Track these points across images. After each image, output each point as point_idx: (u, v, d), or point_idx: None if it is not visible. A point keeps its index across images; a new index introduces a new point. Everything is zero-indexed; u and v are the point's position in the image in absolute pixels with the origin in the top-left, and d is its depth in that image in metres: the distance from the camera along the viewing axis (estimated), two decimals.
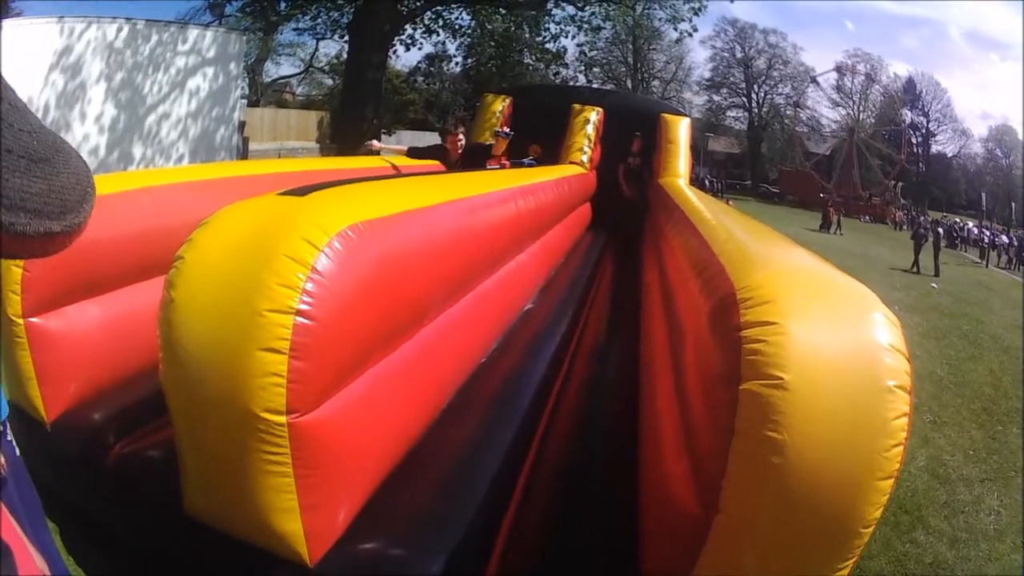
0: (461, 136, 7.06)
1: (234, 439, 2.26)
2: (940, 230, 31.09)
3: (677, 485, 2.38)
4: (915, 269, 27.73)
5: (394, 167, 7.17)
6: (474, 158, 8.29)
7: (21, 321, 3.31)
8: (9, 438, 1.00)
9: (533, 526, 3.10)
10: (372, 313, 2.61)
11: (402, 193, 3.32)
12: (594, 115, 12.51)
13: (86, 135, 13.48)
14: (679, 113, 13.61)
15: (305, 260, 2.22)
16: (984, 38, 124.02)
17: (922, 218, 35.22)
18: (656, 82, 78.84)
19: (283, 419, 2.19)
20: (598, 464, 3.65)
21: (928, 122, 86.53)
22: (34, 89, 12.86)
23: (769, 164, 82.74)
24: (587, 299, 7.21)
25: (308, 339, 2.18)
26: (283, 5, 23.20)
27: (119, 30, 14.03)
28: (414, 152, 8.40)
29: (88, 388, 3.60)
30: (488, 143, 9.90)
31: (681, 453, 2.47)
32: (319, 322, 2.21)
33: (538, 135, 11.79)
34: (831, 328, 2.00)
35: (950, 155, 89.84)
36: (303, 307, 2.17)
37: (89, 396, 3.59)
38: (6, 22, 12.34)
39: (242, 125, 20.87)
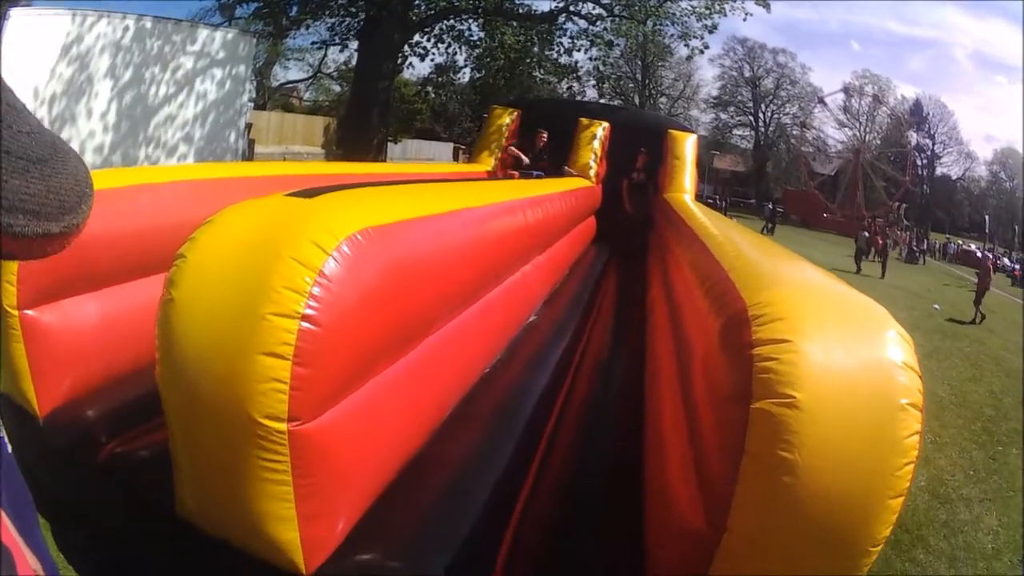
0: None
1: (232, 444, 2.23)
2: (864, 235, 35.78)
3: (684, 503, 2.35)
4: (858, 271, 31.35)
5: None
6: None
7: (16, 313, 3.29)
8: (1, 434, 0.98)
9: (534, 542, 3.05)
10: (379, 321, 2.58)
11: (412, 200, 3.30)
12: (600, 130, 12.62)
13: (91, 131, 13.32)
14: (686, 129, 13.66)
15: (313, 264, 2.18)
16: (991, 60, 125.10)
17: (864, 233, 35.97)
18: (664, 99, 79.13)
19: (284, 426, 2.16)
20: (601, 479, 3.62)
21: (934, 144, 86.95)
22: (40, 79, 12.74)
23: (774, 183, 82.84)
24: (591, 313, 7.20)
25: (313, 345, 2.15)
26: (294, 10, 23.22)
27: (128, 27, 13.87)
28: None
29: (83, 384, 3.58)
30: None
31: (688, 471, 2.44)
32: (325, 328, 2.18)
33: (545, 148, 11.95)
34: (844, 346, 1.98)
35: (954, 177, 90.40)
36: (309, 312, 2.13)
37: (83, 392, 3.57)
38: (16, 10, 12.24)
39: (248, 127, 20.83)
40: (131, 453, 3.26)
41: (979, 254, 47.89)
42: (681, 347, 3.41)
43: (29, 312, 3.34)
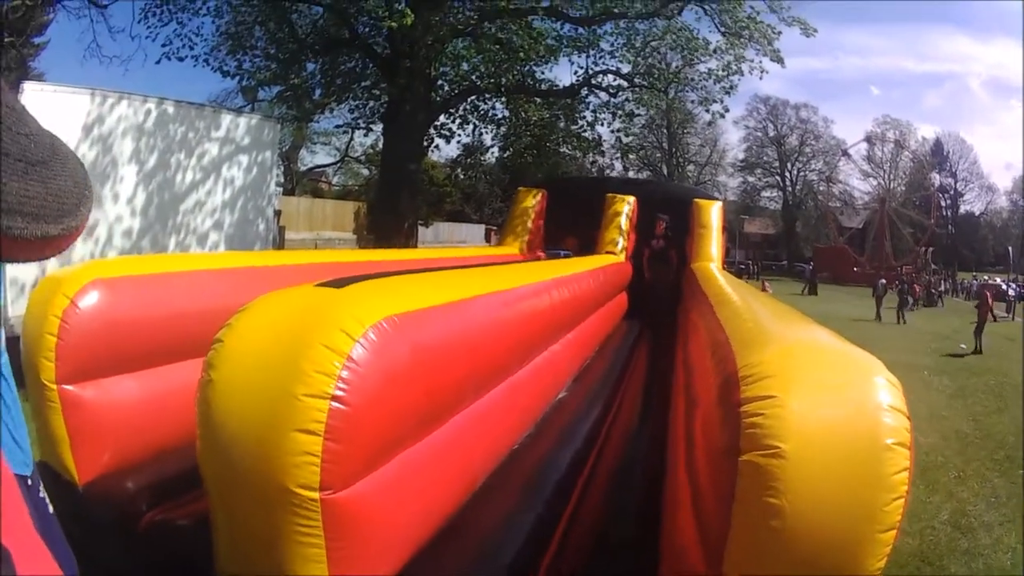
0: None
1: (268, 511, 2.39)
2: (881, 282, 36.66)
3: (689, 549, 2.52)
4: (878, 319, 33.14)
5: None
6: None
7: (54, 386, 3.50)
8: (42, 495, 1.01)
9: None
10: (405, 401, 2.73)
11: (436, 286, 3.46)
12: (627, 206, 12.58)
13: (119, 216, 12.72)
14: (711, 198, 13.75)
15: (341, 349, 2.35)
16: (1004, 85, 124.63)
17: (881, 281, 36.02)
18: (691, 166, 79.00)
19: (316, 495, 2.32)
20: (623, 543, 3.77)
21: (956, 182, 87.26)
22: None
23: (804, 242, 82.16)
24: (619, 388, 7.26)
25: (342, 423, 2.31)
26: (317, 93, 23.16)
27: (150, 111, 13.92)
28: None
29: (122, 457, 3.78)
30: None
31: (692, 520, 2.61)
32: (353, 407, 2.33)
33: (574, 226, 12.17)
34: (830, 395, 2.16)
35: (978, 213, 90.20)
36: (338, 393, 2.29)
37: (122, 466, 3.77)
38: (31, 86, 12.14)
39: (278, 214, 20.57)
40: (169, 523, 3.47)
41: (1003, 286, 46.96)
42: (689, 408, 3.56)
43: (67, 387, 3.57)
